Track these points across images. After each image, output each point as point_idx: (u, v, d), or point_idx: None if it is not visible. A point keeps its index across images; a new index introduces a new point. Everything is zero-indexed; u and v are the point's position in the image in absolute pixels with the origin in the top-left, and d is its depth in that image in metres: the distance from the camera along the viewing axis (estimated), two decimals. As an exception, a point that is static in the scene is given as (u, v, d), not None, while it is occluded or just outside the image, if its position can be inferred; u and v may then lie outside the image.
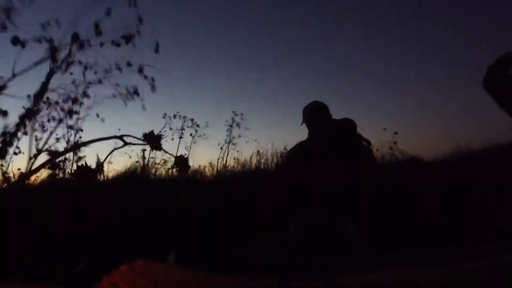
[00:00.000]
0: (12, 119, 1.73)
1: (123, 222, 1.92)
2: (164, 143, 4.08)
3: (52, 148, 1.93)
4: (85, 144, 2.01)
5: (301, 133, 1.80)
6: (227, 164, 4.33)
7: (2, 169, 1.68)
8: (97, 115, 2.14)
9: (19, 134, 1.67)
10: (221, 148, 4.44)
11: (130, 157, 3.62)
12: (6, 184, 1.72)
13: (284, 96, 8.62)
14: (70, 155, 2.25)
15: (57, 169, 1.85)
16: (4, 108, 1.70)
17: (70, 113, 2.06)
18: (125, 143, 1.74)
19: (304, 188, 1.59)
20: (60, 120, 2.05)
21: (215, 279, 0.55)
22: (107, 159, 2.42)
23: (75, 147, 1.96)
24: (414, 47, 7.72)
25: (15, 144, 1.69)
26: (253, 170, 3.79)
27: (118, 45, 1.98)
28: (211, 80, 7.69)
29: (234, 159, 4.35)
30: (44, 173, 1.98)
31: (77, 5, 1.95)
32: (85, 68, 2.03)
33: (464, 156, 3.57)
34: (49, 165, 1.76)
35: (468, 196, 2.01)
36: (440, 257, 0.70)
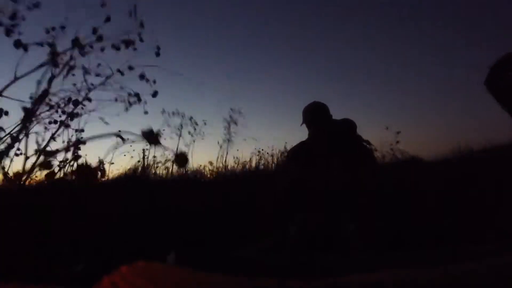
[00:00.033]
0: (13, 120, 1.74)
1: (123, 222, 1.92)
2: (163, 141, 4.06)
3: (50, 148, 1.93)
4: (81, 142, 2.01)
5: (301, 133, 1.81)
6: (227, 163, 4.32)
7: (3, 170, 1.68)
8: (102, 119, 2.15)
9: (21, 137, 1.68)
10: (221, 146, 4.43)
11: (132, 157, 3.62)
12: (6, 184, 1.72)
13: (284, 96, 8.63)
14: (70, 154, 2.25)
15: (54, 169, 1.85)
16: (5, 109, 1.71)
17: (71, 115, 2.07)
18: (123, 140, 1.75)
19: (304, 188, 1.59)
20: (61, 122, 2.06)
21: (215, 279, 0.55)
22: (106, 158, 2.42)
23: (71, 145, 1.96)
24: (414, 47, 7.73)
25: (16, 145, 1.69)
26: (253, 170, 3.80)
27: (118, 49, 2.00)
28: (211, 80, 7.70)
29: (233, 157, 4.35)
30: (43, 173, 1.98)
31: (79, 10, 1.97)
32: (87, 72, 2.05)
33: (464, 156, 3.57)
34: (45, 164, 1.76)
35: (468, 196, 2.02)
36: (440, 257, 0.70)
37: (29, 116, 1.67)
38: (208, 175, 3.94)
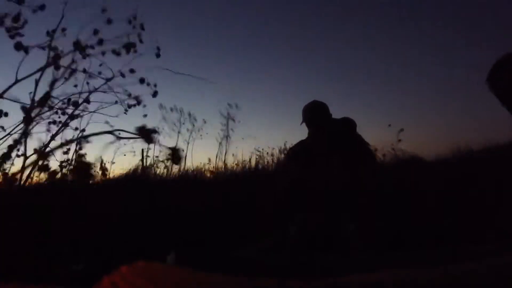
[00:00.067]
0: (14, 120, 1.74)
1: (123, 222, 1.92)
2: (162, 139, 4.08)
3: (50, 149, 1.94)
4: (75, 140, 2.02)
5: (301, 133, 1.81)
6: (226, 161, 4.29)
7: (4, 171, 1.69)
8: (107, 122, 2.16)
9: (23, 140, 1.69)
10: (220, 143, 4.39)
11: (134, 155, 3.61)
12: (6, 184, 1.72)
13: (284, 96, 8.63)
14: (70, 154, 2.26)
15: (55, 169, 1.86)
16: (7, 111, 1.72)
17: (71, 116, 2.08)
18: (118, 138, 1.76)
19: (304, 188, 1.59)
20: (61, 123, 2.06)
21: (215, 279, 0.55)
22: (102, 155, 2.44)
23: (64, 144, 1.96)
24: (414, 47, 7.73)
25: (18, 147, 1.70)
26: (253, 170, 3.79)
27: (118, 54, 2.02)
28: (211, 80, 7.68)
29: (233, 155, 4.32)
30: (42, 174, 1.98)
31: (80, 12, 1.98)
32: (89, 75, 2.07)
33: (464, 156, 3.57)
34: (43, 167, 1.77)
35: (468, 196, 2.01)
36: (440, 257, 0.70)
37: (31, 119, 1.68)
38: (208, 174, 3.93)
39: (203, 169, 3.97)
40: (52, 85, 1.81)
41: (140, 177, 3.32)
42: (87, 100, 2.10)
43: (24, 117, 1.67)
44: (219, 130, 4.43)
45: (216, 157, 4.27)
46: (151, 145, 3.48)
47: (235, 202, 2.34)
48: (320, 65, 8.53)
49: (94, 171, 1.96)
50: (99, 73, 2.09)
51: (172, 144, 4.07)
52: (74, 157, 2.24)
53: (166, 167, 3.64)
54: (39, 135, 1.97)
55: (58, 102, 1.97)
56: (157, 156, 3.67)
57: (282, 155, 3.94)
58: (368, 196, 1.49)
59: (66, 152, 2.25)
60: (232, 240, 1.69)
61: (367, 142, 1.71)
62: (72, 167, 1.94)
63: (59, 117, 2.03)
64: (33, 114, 1.71)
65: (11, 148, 1.59)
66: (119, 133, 1.24)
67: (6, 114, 1.70)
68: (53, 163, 2.17)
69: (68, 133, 2.13)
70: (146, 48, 2.13)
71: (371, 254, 0.99)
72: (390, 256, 0.74)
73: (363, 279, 0.52)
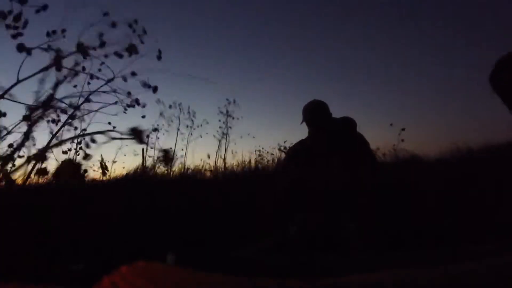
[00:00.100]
0: (15, 120, 1.75)
1: (123, 222, 1.92)
2: (161, 137, 4.05)
3: (51, 151, 1.94)
4: (71, 139, 2.03)
5: (301, 133, 1.81)
6: (225, 159, 4.28)
7: (5, 171, 1.69)
8: (109, 123, 2.17)
9: (26, 143, 1.69)
10: (219, 140, 4.37)
11: (137, 154, 3.60)
12: (7, 185, 1.73)
13: (284, 95, 8.63)
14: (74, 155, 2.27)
15: (47, 173, 1.86)
16: (7, 111, 1.72)
17: (72, 117, 2.08)
18: (110, 138, 1.77)
19: (304, 188, 1.59)
20: (61, 122, 2.07)
21: (215, 279, 0.55)
22: (103, 155, 2.44)
23: (60, 143, 1.96)
24: (414, 47, 7.73)
25: (21, 149, 1.71)
26: (253, 170, 3.79)
27: (121, 56, 2.04)
28: (210, 80, 7.69)
29: (232, 152, 4.32)
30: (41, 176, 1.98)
31: (81, 14, 1.98)
32: (91, 77, 2.08)
33: (464, 156, 3.57)
34: (42, 171, 1.77)
35: (468, 196, 2.01)
36: (440, 257, 0.70)
37: (33, 123, 1.68)
38: (208, 173, 3.92)
39: (203, 169, 3.97)
40: (55, 87, 1.82)
41: (140, 177, 3.32)
42: (87, 100, 2.10)
43: (26, 117, 1.67)
44: (218, 127, 4.42)
45: (216, 154, 4.26)
46: (144, 145, 3.47)
47: (235, 202, 2.34)
48: (320, 65, 8.53)
49: (86, 171, 1.96)
50: (99, 70, 2.09)
51: (172, 142, 4.07)
52: (74, 157, 2.24)
53: (166, 166, 3.64)
54: (39, 135, 1.97)
55: (59, 103, 1.98)
56: (157, 157, 3.66)
57: (282, 154, 3.93)
58: (368, 196, 1.49)
59: (65, 152, 2.25)
60: (232, 240, 1.69)
61: (368, 142, 1.71)
62: (58, 168, 1.93)
63: (58, 116, 2.04)
64: (36, 116, 1.72)
65: (14, 150, 1.59)
66: (106, 131, 1.25)
67: (4, 114, 1.70)
68: (54, 163, 2.17)
69: (68, 133, 2.13)
70: (146, 48, 2.14)
71: (371, 254, 0.99)
72: (390, 256, 0.74)
73: (363, 279, 0.52)
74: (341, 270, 0.59)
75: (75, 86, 2.06)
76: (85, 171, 1.94)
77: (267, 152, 4.29)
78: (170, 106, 4.16)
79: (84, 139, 1.92)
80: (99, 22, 1.96)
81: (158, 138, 3.92)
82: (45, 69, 1.80)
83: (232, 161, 4.37)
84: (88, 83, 2.10)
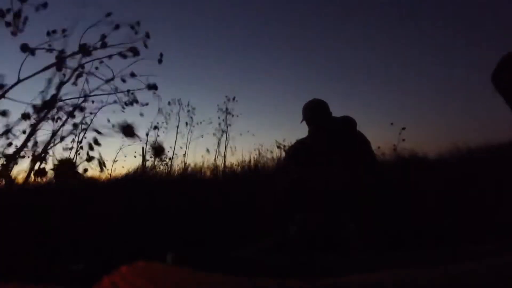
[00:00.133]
0: (15, 120, 1.75)
1: (123, 222, 1.92)
2: (161, 135, 4.05)
3: (52, 152, 1.94)
4: (67, 137, 2.03)
5: (301, 133, 1.81)
6: (225, 157, 4.27)
7: (7, 171, 1.70)
8: (108, 120, 2.17)
9: (29, 144, 1.70)
10: (219, 139, 4.36)
11: (137, 154, 3.60)
12: (7, 185, 1.73)
13: (284, 95, 8.63)
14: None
15: (46, 174, 1.86)
16: (10, 111, 1.73)
17: (72, 116, 2.09)
18: (99, 133, 1.78)
19: (304, 188, 1.58)
20: (62, 120, 2.07)
21: (215, 279, 0.55)
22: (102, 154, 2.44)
23: (56, 143, 1.97)
24: (414, 47, 7.73)
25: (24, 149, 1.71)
26: (253, 169, 3.79)
27: (124, 57, 2.05)
28: (211, 80, 7.70)
29: (231, 149, 4.31)
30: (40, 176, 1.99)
31: (81, 14, 1.99)
32: (93, 76, 2.09)
33: (464, 156, 3.57)
34: (41, 172, 1.78)
35: (468, 196, 2.01)
36: (440, 257, 0.70)
37: (38, 122, 1.69)
38: (207, 172, 3.92)
39: (203, 168, 3.97)
40: (59, 87, 1.82)
41: (140, 177, 3.32)
42: (87, 100, 2.11)
43: (25, 116, 1.67)
44: (218, 124, 4.41)
45: (216, 152, 4.25)
46: (138, 142, 3.47)
47: (235, 202, 2.33)
48: (320, 65, 8.52)
49: (86, 171, 1.96)
50: (96, 68, 2.10)
51: (171, 140, 4.08)
52: (75, 157, 2.24)
53: (166, 166, 3.64)
54: (39, 135, 1.97)
55: (62, 103, 1.98)
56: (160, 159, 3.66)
57: (281, 151, 3.93)
58: (368, 196, 1.49)
59: (66, 150, 2.26)
60: (232, 240, 1.69)
61: (368, 141, 1.71)
62: (54, 167, 1.93)
63: (60, 115, 2.04)
64: (40, 116, 1.72)
65: (17, 151, 1.60)
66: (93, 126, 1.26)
67: (4, 114, 1.71)
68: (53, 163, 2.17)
69: (69, 131, 2.14)
70: (146, 49, 2.14)
71: (371, 254, 0.99)
72: (390, 256, 0.74)
73: (363, 279, 0.52)
74: (341, 270, 0.59)
75: (74, 84, 2.07)
76: (85, 170, 1.94)
77: (267, 150, 4.29)
78: (169, 103, 4.15)
79: (85, 137, 1.93)
80: (101, 23, 1.97)
81: (158, 136, 3.92)
82: (46, 68, 1.80)
83: (232, 158, 4.37)
84: (87, 81, 2.11)
